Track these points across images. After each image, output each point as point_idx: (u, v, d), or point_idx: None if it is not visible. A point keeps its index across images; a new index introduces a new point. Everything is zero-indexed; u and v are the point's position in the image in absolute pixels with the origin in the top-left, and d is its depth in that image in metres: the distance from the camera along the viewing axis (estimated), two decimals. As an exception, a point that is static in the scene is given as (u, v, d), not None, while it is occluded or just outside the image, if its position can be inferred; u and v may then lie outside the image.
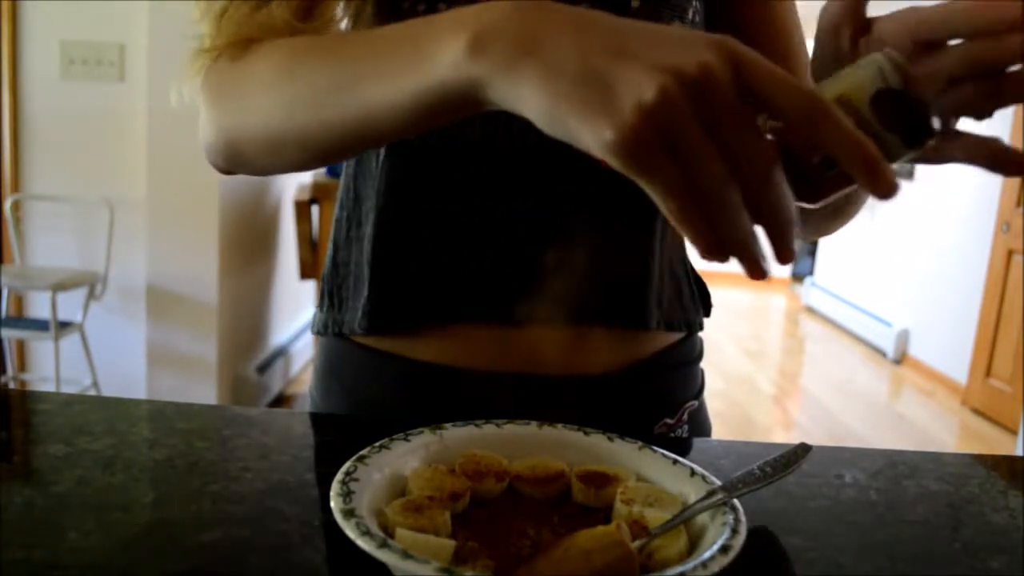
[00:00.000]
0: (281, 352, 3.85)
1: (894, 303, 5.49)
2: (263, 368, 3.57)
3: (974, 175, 4.53)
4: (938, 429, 4.21)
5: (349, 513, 0.41)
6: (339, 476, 0.45)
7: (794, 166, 0.39)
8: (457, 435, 0.53)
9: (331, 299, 0.71)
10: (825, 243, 6.64)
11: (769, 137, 0.40)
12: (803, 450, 0.52)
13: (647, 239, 0.67)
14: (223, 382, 3.19)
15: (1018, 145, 0.44)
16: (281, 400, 3.74)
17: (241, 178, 3.24)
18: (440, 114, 0.44)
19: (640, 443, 0.53)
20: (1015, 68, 0.42)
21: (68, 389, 3.04)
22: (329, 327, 0.71)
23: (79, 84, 3.04)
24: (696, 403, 0.75)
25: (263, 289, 3.77)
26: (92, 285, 3.00)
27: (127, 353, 3.19)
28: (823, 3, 0.49)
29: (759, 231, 0.37)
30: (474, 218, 0.65)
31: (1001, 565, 0.49)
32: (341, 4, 0.59)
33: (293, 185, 4.05)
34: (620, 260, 0.67)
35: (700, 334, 0.77)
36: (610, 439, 0.54)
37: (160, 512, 0.49)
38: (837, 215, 0.68)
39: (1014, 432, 3.95)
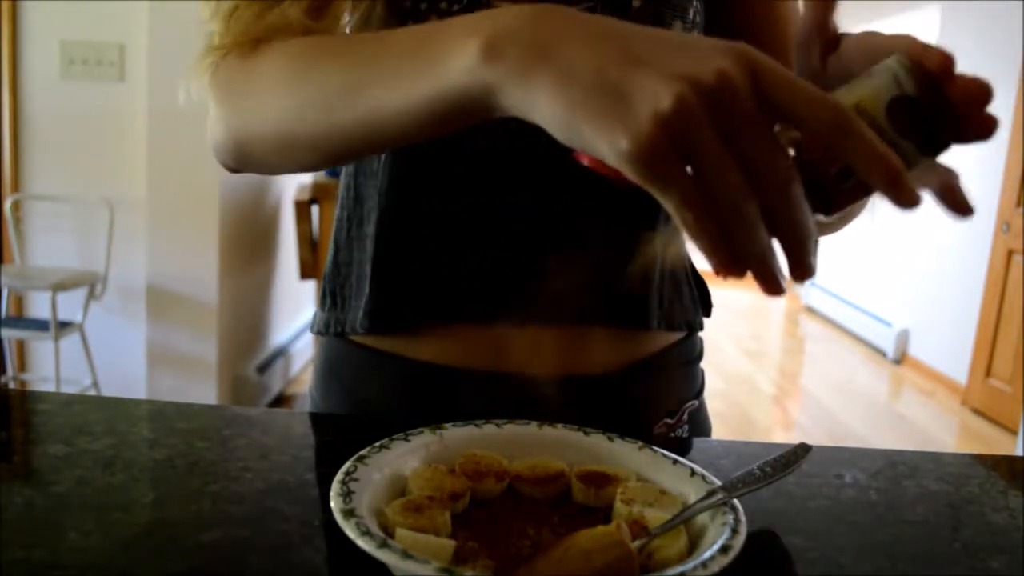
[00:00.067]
0: (281, 352, 3.85)
1: (894, 303, 5.49)
2: (263, 368, 3.57)
3: (974, 175, 4.53)
4: (938, 429, 4.21)
5: (349, 513, 0.41)
6: (339, 476, 0.45)
7: (809, 177, 0.38)
8: (457, 435, 0.53)
9: (333, 299, 0.71)
10: (825, 243, 6.62)
11: (785, 147, 0.39)
12: (803, 450, 0.52)
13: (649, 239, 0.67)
14: (223, 382, 3.19)
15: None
16: (281, 400, 3.74)
17: (241, 178, 3.25)
18: (452, 120, 0.43)
19: (640, 443, 0.53)
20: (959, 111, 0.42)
21: (68, 389, 3.04)
22: (330, 327, 0.71)
23: (79, 84, 3.04)
24: (696, 403, 0.75)
25: (263, 289, 3.77)
26: (92, 285, 3.00)
27: (127, 353, 3.19)
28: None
29: (776, 246, 0.37)
30: (475, 218, 0.65)
31: (1001, 565, 0.49)
32: (351, 3, 0.58)
33: (293, 185, 4.05)
34: (621, 260, 0.67)
35: (700, 334, 0.77)
36: (610, 439, 0.54)
37: (160, 512, 0.49)
38: (841, 219, 0.68)
39: (1014, 432, 3.95)
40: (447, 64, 0.41)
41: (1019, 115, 4.10)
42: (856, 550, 0.50)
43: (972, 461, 0.66)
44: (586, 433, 0.55)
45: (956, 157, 0.43)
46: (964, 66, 0.42)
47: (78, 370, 3.10)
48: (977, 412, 4.40)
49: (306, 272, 3.85)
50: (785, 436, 3.96)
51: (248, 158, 0.57)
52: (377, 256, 0.66)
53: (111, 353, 3.18)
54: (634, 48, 0.36)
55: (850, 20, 0.48)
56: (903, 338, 5.34)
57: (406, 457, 0.50)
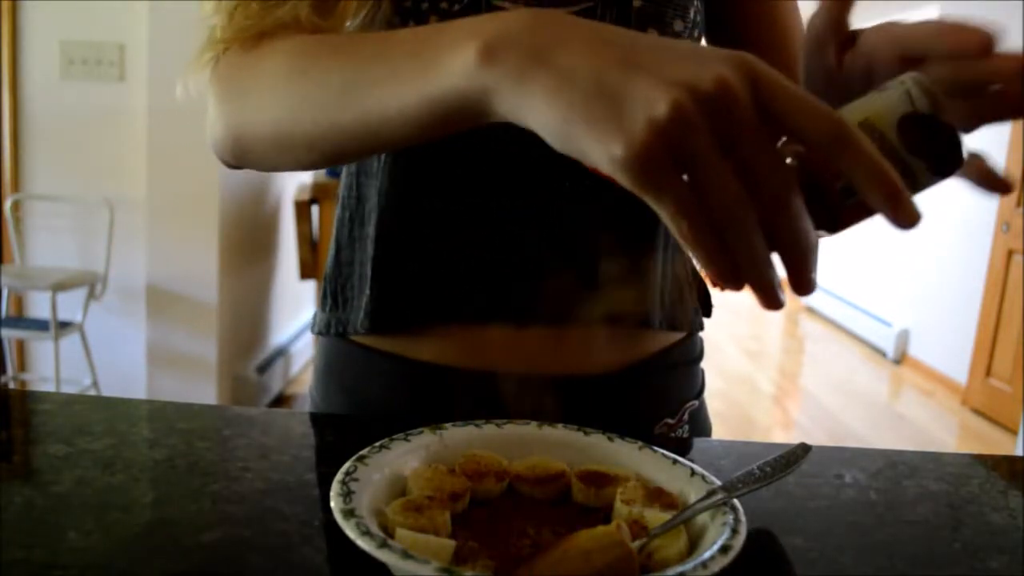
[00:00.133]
0: (281, 352, 3.85)
1: (894, 303, 5.49)
2: (263, 368, 3.57)
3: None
4: (938, 429, 4.21)
5: (349, 513, 0.41)
6: (339, 476, 0.45)
7: (814, 193, 0.37)
8: (457, 435, 0.53)
9: (334, 299, 0.71)
10: (825, 243, 6.63)
11: (789, 161, 0.38)
12: (803, 450, 0.52)
13: (649, 239, 0.67)
14: (223, 382, 3.19)
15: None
16: (281, 400, 3.74)
17: (241, 178, 3.25)
18: (448, 123, 0.43)
19: (640, 443, 0.53)
20: (997, 87, 0.42)
21: (68, 389, 3.04)
22: (332, 327, 0.71)
23: (79, 84, 3.04)
24: (697, 403, 0.75)
25: (263, 289, 3.77)
26: (92, 285, 3.00)
27: (127, 353, 3.19)
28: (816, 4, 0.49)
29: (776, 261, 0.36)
30: (476, 218, 0.65)
31: (1001, 565, 0.49)
32: (356, 2, 0.58)
33: (293, 185, 4.05)
34: (623, 260, 0.67)
35: (700, 334, 0.77)
36: (610, 439, 0.54)
37: (160, 512, 0.49)
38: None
39: (1014, 432, 3.95)
40: (444, 67, 0.41)
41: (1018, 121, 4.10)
42: (856, 550, 0.50)
43: (972, 461, 0.66)
44: (586, 433, 0.55)
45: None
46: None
47: (78, 370, 3.10)
48: (977, 412, 4.40)
49: (306, 272, 3.85)
50: (785, 436, 3.96)
51: (246, 155, 0.57)
52: (378, 256, 0.66)
53: (111, 353, 3.18)
54: (632, 55, 0.36)
55: (851, 18, 0.48)
56: (903, 338, 5.34)
57: (406, 457, 0.50)
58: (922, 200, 0.37)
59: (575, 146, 0.36)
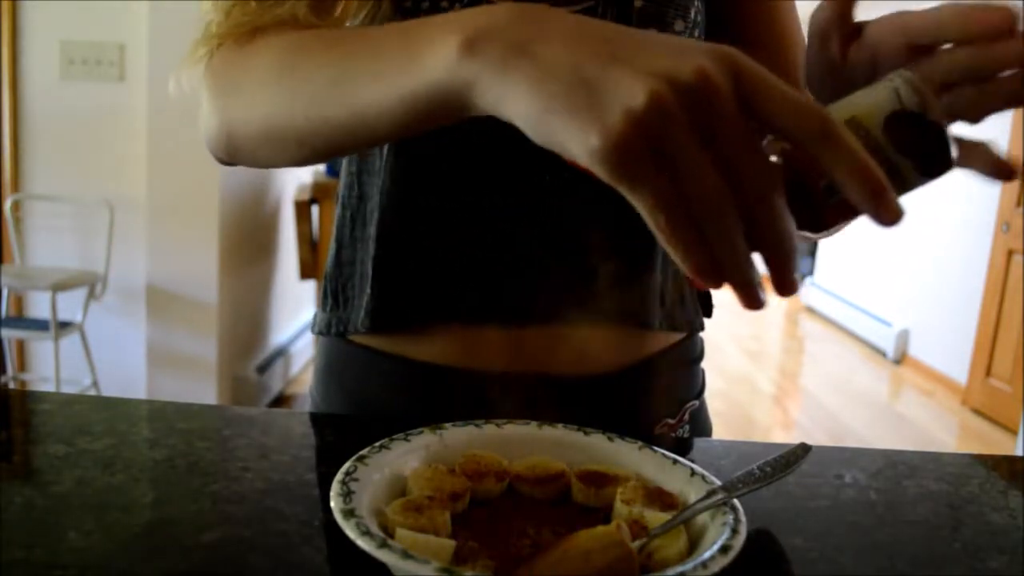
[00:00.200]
0: (281, 352, 3.85)
1: (894, 303, 5.49)
2: (263, 368, 3.57)
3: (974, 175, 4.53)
4: (938, 429, 4.21)
5: (349, 513, 0.41)
6: (339, 476, 0.45)
7: (798, 192, 0.36)
8: (457, 435, 0.53)
9: (335, 298, 0.71)
10: (825, 243, 6.64)
11: (773, 159, 0.37)
12: (803, 450, 0.52)
13: (650, 239, 0.67)
14: (223, 382, 3.19)
15: (1017, 146, 0.44)
16: (281, 400, 3.74)
17: (242, 178, 3.25)
18: (433, 116, 0.42)
19: (640, 443, 0.53)
20: (1007, 73, 0.41)
21: (68, 389, 3.04)
22: (333, 326, 0.70)
23: (79, 84, 3.04)
24: (697, 403, 0.75)
25: (263, 289, 3.77)
26: (92, 285, 3.00)
27: (127, 353, 3.19)
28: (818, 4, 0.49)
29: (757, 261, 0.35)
30: (476, 217, 0.65)
31: (1001, 565, 0.49)
32: (357, 2, 0.58)
33: (293, 185, 4.05)
34: (623, 260, 0.67)
35: (701, 334, 0.77)
36: (610, 439, 0.54)
37: (160, 512, 0.49)
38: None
39: (1014, 432, 3.95)
40: (427, 60, 0.40)
41: (1019, 115, 4.10)
42: (856, 550, 0.50)
43: (972, 461, 0.66)
44: (586, 433, 0.55)
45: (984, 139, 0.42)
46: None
47: (78, 370, 3.10)
48: (977, 412, 4.40)
49: (306, 272, 3.85)
50: (785, 436, 3.96)
51: (238, 150, 0.57)
52: (378, 255, 0.66)
53: (111, 353, 3.18)
54: (614, 47, 0.35)
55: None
56: (903, 338, 5.34)
57: (406, 457, 0.50)
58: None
59: (554, 138, 0.35)
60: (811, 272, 7.13)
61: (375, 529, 0.40)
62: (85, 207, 3.10)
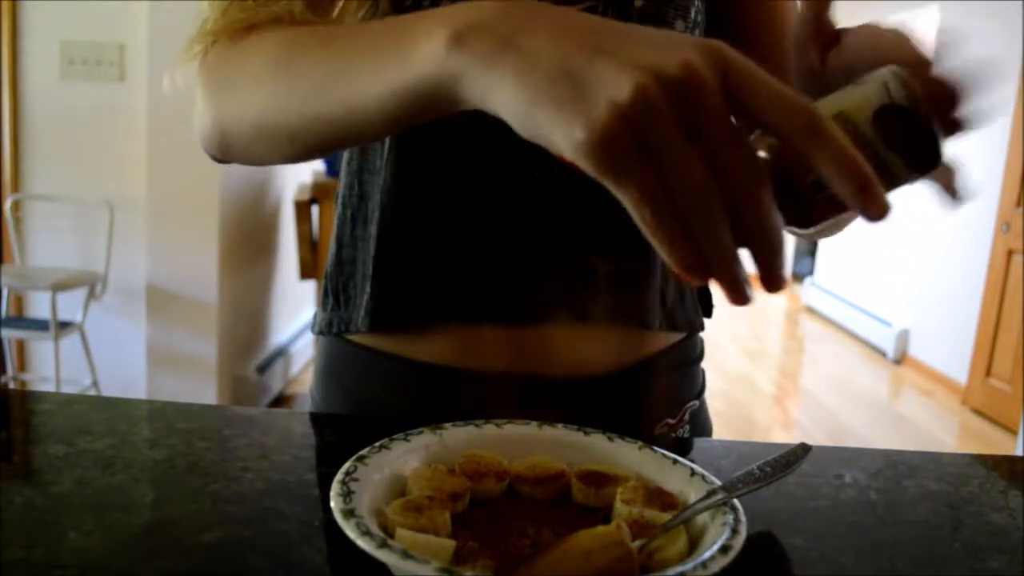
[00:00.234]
0: (281, 352, 3.85)
1: (894, 303, 5.49)
2: (263, 368, 3.57)
3: (974, 175, 4.52)
4: (938, 429, 4.21)
5: (349, 513, 0.41)
6: (339, 476, 0.45)
7: (787, 189, 0.36)
8: (457, 435, 0.53)
9: (336, 297, 0.71)
10: (825, 243, 6.64)
11: (762, 155, 0.37)
12: (803, 450, 0.52)
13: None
14: (223, 382, 3.19)
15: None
16: (281, 400, 3.74)
17: (242, 178, 3.25)
18: (422, 110, 0.42)
19: (640, 443, 0.53)
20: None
21: (68, 389, 3.04)
22: (334, 326, 0.70)
23: (79, 84, 3.04)
24: (697, 403, 0.75)
25: (263, 289, 3.77)
26: (92, 285, 3.00)
27: (127, 353, 3.19)
28: None
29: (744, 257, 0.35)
30: (475, 214, 0.65)
31: (1001, 565, 0.49)
32: (354, 1, 0.58)
33: (293, 185, 4.05)
34: (624, 260, 0.67)
35: (700, 334, 0.77)
36: (610, 439, 0.54)
37: (160, 512, 0.49)
38: (835, 224, 0.68)
39: (1014, 432, 3.95)
40: (416, 54, 0.40)
41: (1019, 115, 4.10)
42: (856, 550, 0.50)
43: (972, 461, 0.66)
44: (586, 433, 0.55)
45: (956, 157, 0.42)
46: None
47: (78, 370, 3.10)
48: (977, 412, 4.40)
49: (306, 272, 3.85)
50: (785, 436, 3.96)
51: (231, 148, 0.57)
52: (379, 254, 0.66)
53: (111, 353, 3.18)
54: (601, 40, 0.35)
55: (850, 19, 0.48)
56: (903, 338, 5.34)
57: (406, 457, 0.50)
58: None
59: (539, 131, 0.35)
60: (811, 272, 7.13)
61: (375, 529, 0.40)
62: (85, 207, 3.10)
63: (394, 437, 0.50)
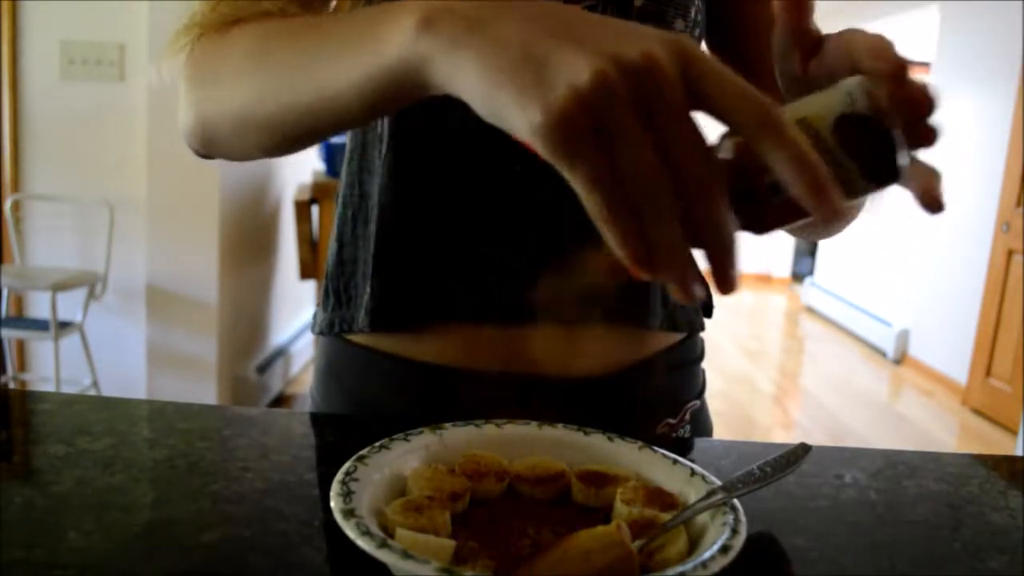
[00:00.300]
0: (281, 352, 3.85)
1: (894, 303, 5.49)
2: (263, 368, 3.57)
3: (974, 175, 4.53)
4: (938, 429, 4.21)
5: (349, 513, 0.41)
6: (339, 476, 0.45)
7: (740, 187, 0.36)
8: (457, 435, 0.53)
9: (336, 297, 0.71)
10: (825, 243, 6.65)
11: (723, 155, 0.37)
12: (803, 450, 0.52)
13: None
14: (223, 382, 3.19)
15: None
16: (281, 400, 3.74)
17: (242, 178, 3.25)
18: (395, 96, 0.42)
19: (640, 443, 0.53)
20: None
21: (68, 389, 3.04)
22: (335, 325, 0.70)
23: (79, 84, 3.04)
24: (698, 403, 0.75)
25: (263, 289, 3.77)
26: (92, 285, 3.00)
27: (127, 353, 3.19)
28: (821, 3, 0.49)
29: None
30: (476, 215, 0.65)
31: (1001, 565, 0.49)
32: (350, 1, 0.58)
33: (293, 185, 4.05)
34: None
35: (701, 334, 0.77)
36: (610, 439, 0.54)
37: (160, 512, 0.49)
38: (833, 223, 0.68)
39: (1014, 432, 3.95)
40: (388, 39, 0.41)
41: (1019, 115, 4.10)
42: (856, 550, 0.50)
43: (972, 461, 0.66)
44: (586, 433, 0.55)
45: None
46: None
47: (78, 370, 3.10)
48: (977, 412, 4.40)
49: (306, 272, 3.85)
50: (785, 436, 3.96)
51: (212, 141, 0.57)
52: (378, 253, 0.66)
53: (111, 353, 3.18)
54: (567, 27, 0.35)
55: (851, 20, 0.48)
56: (903, 338, 5.34)
57: (406, 457, 0.50)
58: (845, 215, 0.35)
59: (499, 113, 0.35)
60: (811, 272, 7.13)
61: (375, 529, 0.40)
62: (85, 207, 3.10)
63: (394, 437, 0.50)
